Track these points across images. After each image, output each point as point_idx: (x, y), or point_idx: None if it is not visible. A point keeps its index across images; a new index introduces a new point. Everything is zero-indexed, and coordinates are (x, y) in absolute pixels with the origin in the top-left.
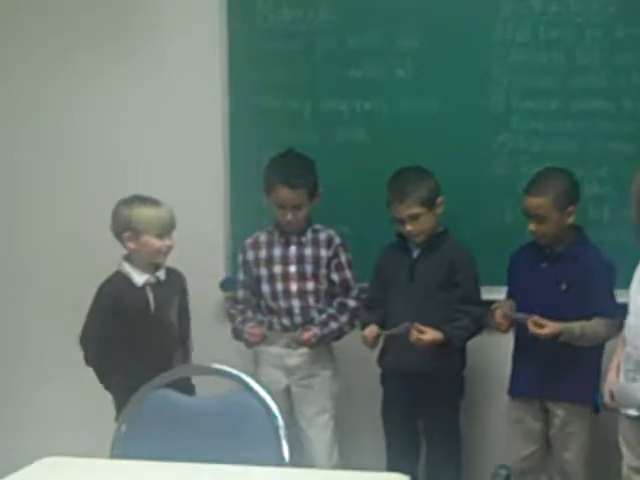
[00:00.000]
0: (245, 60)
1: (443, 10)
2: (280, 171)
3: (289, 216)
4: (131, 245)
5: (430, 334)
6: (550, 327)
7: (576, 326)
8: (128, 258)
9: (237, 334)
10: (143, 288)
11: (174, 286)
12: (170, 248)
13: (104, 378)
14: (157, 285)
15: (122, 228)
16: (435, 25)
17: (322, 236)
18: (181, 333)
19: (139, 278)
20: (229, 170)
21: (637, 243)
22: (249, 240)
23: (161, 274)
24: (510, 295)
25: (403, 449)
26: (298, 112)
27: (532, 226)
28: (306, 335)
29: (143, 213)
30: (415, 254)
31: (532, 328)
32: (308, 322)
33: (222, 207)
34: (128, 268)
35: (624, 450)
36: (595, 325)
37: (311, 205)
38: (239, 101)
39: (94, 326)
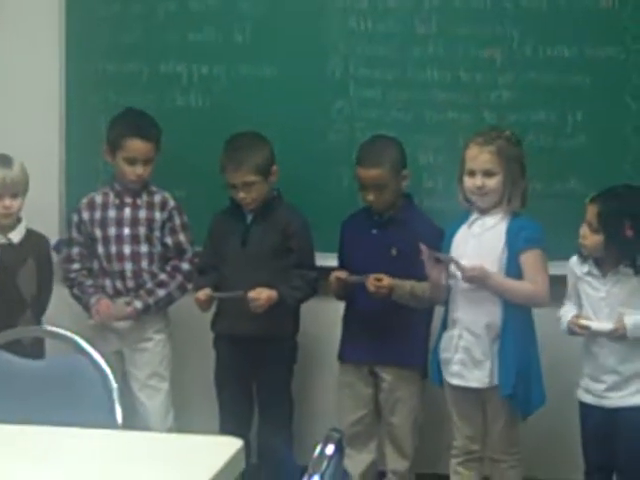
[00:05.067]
0: (83, 22)
1: None
2: (131, 124)
3: (139, 170)
4: None
5: (265, 293)
6: (388, 280)
7: (407, 284)
8: None
9: (82, 303)
10: None
11: (30, 249)
12: (9, 209)
13: None
14: (8, 246)
15: None
16: None
17: (157, 198)
18: (38, 298)
19: None
20: (65, 133)
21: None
22: (84, 200)
23: (14, 236)
24: (341, 262)
25: (236, 413)
26: (136, 75)
27: (371, 196)
28: (127, 310)
29: None
30: (248, 220)
31: (372, 284)
32: (140, 286)
33: (57, 170)
34: None
35: (456, 419)
36: (425, 287)
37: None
38: (76, 64)
39: None
